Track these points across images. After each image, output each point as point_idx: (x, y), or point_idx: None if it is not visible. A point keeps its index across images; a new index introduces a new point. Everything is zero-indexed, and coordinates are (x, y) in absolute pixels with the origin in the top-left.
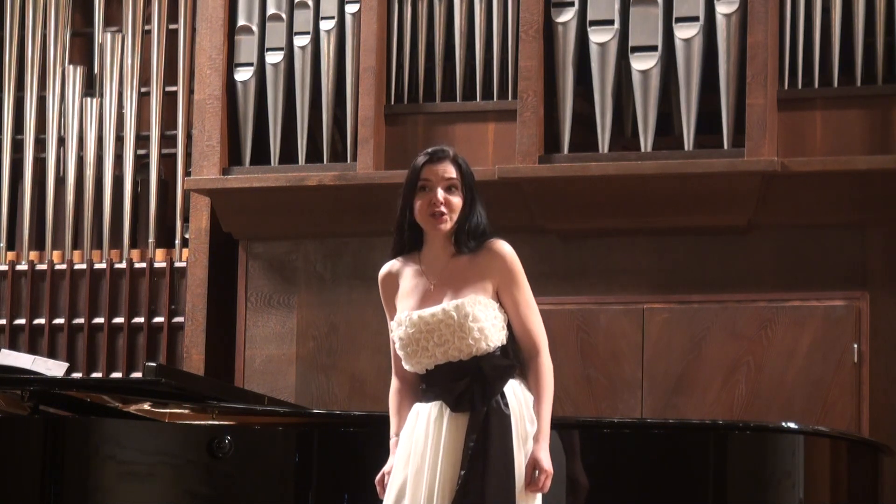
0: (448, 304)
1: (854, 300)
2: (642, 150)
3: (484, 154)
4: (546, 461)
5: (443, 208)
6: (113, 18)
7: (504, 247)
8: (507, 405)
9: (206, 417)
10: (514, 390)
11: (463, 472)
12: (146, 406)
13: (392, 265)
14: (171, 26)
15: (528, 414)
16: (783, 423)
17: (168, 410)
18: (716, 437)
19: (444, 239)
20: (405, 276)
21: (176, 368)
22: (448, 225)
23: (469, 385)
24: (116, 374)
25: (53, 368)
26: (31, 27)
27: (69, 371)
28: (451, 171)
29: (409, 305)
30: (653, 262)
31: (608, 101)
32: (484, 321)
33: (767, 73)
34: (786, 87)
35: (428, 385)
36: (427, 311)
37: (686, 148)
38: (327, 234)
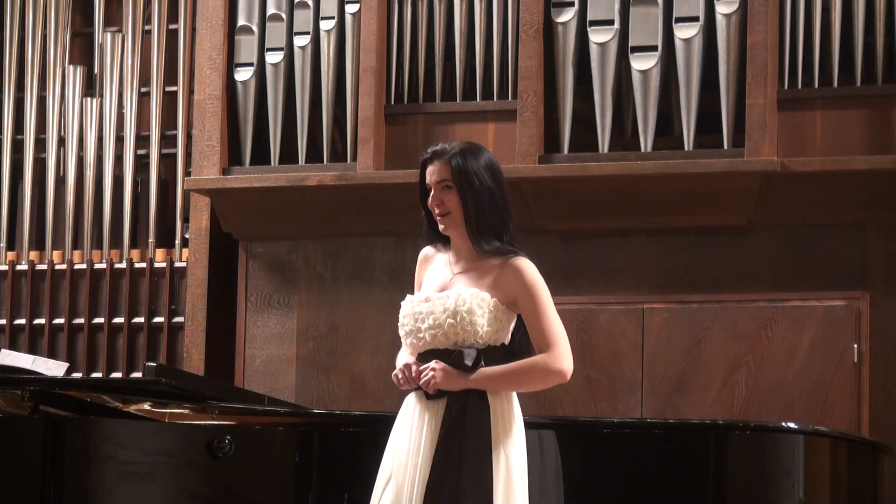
0: (452, 291)
1: (854, 300)
2: (642, 150)
3: None
4: (443, 369)
5: (437, 210)
6: (113, 18)
7: (524, 264)
8: (487, 404)
9: (206, 417)
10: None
11: (432, 468)
12: (146, 406)
13: (430, 249)
14: (171, 26)
15: (507, 407)
16: (783, 423)
17: (168, 410)
18: (716, 437)
19: (462, 236)
20: (436, 262)
21: (176, 368)
22: (449, 227)
23: None
24: (116, 374)
25: (53, 368)
26: (31, 27)
27: (69, 371)
28: (441, 172)
29: (428, 288)
30: (653, 262)
31: (608, 101)
32: (479, 317)
33: (767, 73)
34: (786, 87)
35: None
36: (435, 294)
37: (686, 148)
38: (327, 234)
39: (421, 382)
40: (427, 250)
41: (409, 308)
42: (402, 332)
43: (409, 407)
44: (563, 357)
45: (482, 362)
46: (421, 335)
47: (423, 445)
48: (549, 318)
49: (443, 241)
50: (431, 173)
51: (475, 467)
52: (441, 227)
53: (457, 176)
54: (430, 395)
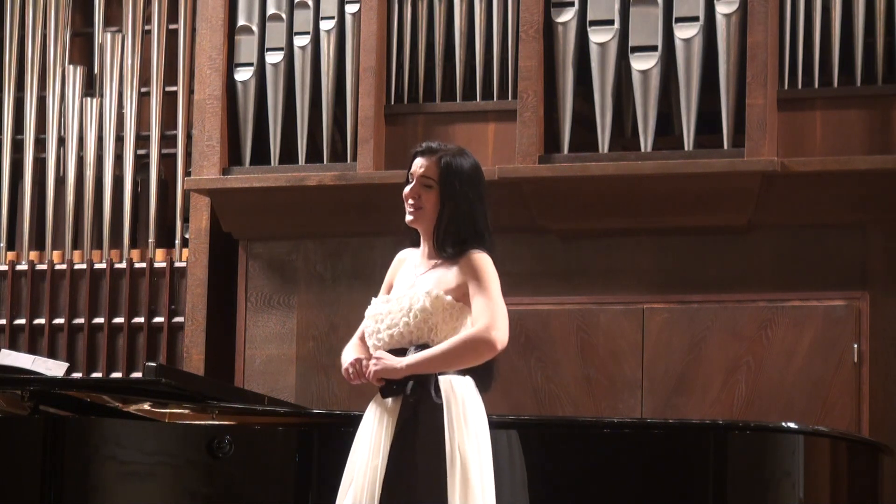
0: (410, 291)
1: (854, 300)
2: (642, 150)
3: (484, 154)
4: (388, 359)
5: (411, 202)
6: (113, 18)
7: (476, 255)
8: (439, 396)
9: (206, 417)
10: (452, 383)
11: (388, 464)
12: (146, 406)
13: (405, 252)
14: (171, 26)
15: (462, 408)
16: (783, 423)
17: (168, 410)
18: (716, 437)
19: (426, 235)
20: (407, 264)
21: (176, 368)
22: (417, 221)
23: None
24: (116, 374)
25: (53, 368)
26: (31, 27)
27: (69, 371)
28: (429, 169)
29: (395, 291)
30: (653, 262)
31: (608, 101)
32: (432, 315)
33: (767, 73)
34: (786, 87)
35: None
36: (395, 295)
37: (686, 148)
38: (327, 234)
39: (365, 373)
40: (402, 254)
41: (373, 310)
42: (366, 334)
43: (371, 409)
44: (492, 329)
45: None
46: (380, 335)
47: (382, 446)
48: (490, 296)
49: (416, 243)
50: (419, 166)
51: (428, 467)
52: (409, 218)
53: (443, 178)
54: (385, 394)
